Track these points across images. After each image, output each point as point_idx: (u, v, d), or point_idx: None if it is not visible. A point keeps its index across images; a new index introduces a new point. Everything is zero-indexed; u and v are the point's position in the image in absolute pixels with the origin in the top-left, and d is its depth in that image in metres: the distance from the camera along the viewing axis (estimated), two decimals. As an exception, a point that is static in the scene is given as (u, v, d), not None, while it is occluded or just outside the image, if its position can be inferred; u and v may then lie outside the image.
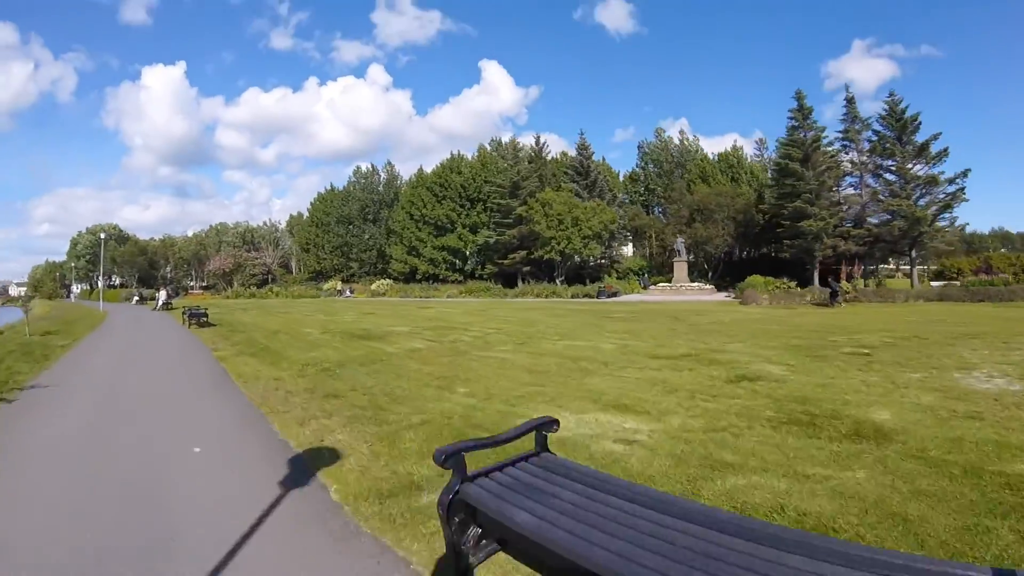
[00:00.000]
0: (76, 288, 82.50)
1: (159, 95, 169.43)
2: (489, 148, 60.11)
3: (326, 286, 53.90)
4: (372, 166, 66.94)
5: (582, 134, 54.95)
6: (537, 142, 53.09)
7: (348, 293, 51.00)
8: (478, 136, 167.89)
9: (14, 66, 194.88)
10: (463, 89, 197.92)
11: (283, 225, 79.09)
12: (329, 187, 69.04)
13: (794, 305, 23.58)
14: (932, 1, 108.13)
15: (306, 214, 71.05)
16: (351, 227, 61.66)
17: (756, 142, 59.52)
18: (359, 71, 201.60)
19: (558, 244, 41.44)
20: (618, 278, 44.59)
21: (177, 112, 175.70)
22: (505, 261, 44.87)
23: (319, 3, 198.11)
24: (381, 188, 64.60)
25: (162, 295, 34.54)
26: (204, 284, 66.98)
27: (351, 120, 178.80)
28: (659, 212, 54.32)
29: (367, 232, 61.31)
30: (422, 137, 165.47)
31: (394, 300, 40.02)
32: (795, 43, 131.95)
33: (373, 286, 48.63)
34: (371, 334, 14.27)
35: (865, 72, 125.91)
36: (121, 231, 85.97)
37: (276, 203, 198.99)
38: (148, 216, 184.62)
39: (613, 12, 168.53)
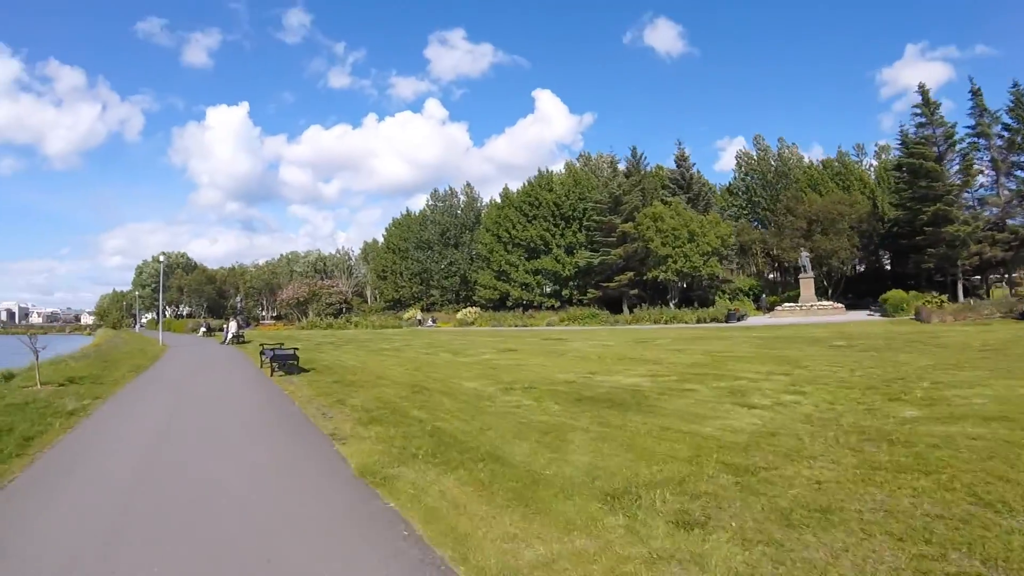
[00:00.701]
0: (145, 317, 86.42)
1: (223, 134, 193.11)
2: (578, 164, 59.56)
3: (406, 316, 53.91)
4: (451, 188, 70.12)
5: (679, 144, 53.51)
6: (634, 154, 52.93)
7: (430, 323, 51.57)
8: (534, 165, 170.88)
9: (82, 108, 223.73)
10: (517, 119, 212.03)
11: (357, 252, 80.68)
12: (404, 212, 71.47)
13: (985, 320, 21.16)
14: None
15: (381, 240, 71.94)
16: (431, 252, 63.86)
17: (855, 148, 61.51)
18: (416, 106, 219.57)
19: (674, 263, 39.49)
20: (730, 299, 42.26)
21: (241, 150, 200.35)
22: (610, 284, 43.56)
23: (374, 42, 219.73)
24: (460, 211, 64.93)
25: (232, 326, 33.13)
26: (275, 314, 68.56)
27: (409, 154, 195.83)
28: (764, 226, 52.52)
29: (448, 257, 63.79)
30: (479, 168, 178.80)
31: (487, 329, 40.79)
32: (845, 54, 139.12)
33: (459, 315, 48.73)
34: (599, 393, 9.88)
35: (920, 76, 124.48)
36: (188, 259, 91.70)
37: (340, 235, 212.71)
38: (216, 250, 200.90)
39: (662, 34, 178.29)
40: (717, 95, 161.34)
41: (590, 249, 49.28)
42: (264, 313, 74.03)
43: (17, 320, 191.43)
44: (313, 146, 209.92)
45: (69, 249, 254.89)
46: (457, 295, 62.84)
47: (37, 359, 13.12)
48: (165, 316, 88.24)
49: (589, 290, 48.18)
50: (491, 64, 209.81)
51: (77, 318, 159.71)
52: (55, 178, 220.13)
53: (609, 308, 46.11)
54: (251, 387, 13.07)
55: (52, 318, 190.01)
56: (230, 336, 31.29)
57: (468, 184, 70.80)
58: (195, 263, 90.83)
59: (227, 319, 43.63)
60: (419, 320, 54.55)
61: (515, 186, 58.86)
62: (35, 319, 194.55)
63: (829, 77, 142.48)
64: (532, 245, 52.35)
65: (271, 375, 14.53)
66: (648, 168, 55.29)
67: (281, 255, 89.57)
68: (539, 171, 57.12)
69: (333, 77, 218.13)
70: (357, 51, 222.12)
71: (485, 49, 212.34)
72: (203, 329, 46.81)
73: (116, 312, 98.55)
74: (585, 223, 50.86)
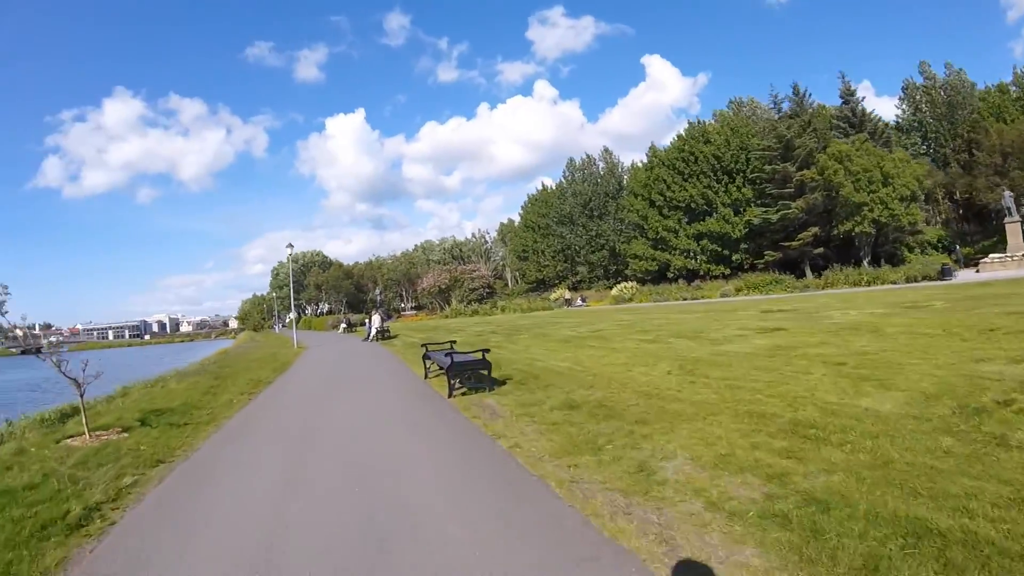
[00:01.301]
0: (289, 316, 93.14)
1: (345, 141, 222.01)
2: (729, 110, 56.23)
3: (553, 296, 53.77)
4: (588, 156, 68.50)
5: (843, 77, 49.11)
6: (796, 92, 48.89)
7: (580, 302, 50.89)
8: (651, 135, 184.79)
9: (208, 134, 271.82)
10: (629, 89, 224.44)
11: (493, 235, 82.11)
12: (541, 187, 72.51)
13: None
14: None
15: (517, 220, 72.25)
16: (573, 227, 64.60)
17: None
18: (525, 89, 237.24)
19: (870, 211, 36.09)
20: (920, 253, 38.75)
21: (363, 154, 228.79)
22: (791, 243, 40.57)
23: (475, 33, 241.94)
24: (601, 179, 64.44)
25: (375, 320, 30.81)
26: (415, 305, 70.88)
27: (525, 137, 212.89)
28: (941, 166, 50.17)
29: (593, 229, 64.84)
30: (595, 143, 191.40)
31: (656, 306, 40.83)
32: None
33: (615, 291, 48.11)
34: None
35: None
36: (324, 257, 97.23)
37: (467, 225, 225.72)
38: (350, 249, 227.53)
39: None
40: (833, 37, 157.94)
41: (760, 205, 46.10)
42: (404, 304, 77.16)
43: (169, 330, 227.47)
44: (431, 141, 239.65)
45: (214, 262, 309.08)
46: (606, 270, 62.95)
47: (82, 396, 9.07)
48: (305, 314, 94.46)
49: (766, 252, 45.17)
50: (594, 36, 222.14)
51: (225, 324, 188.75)
52: (192, 200, 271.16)
53: (789, 272, 42.94)
54: (422, 424, 8.30)
55: (201, 325, 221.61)
56: (374, 332, 29.48)
57: (606, 149, 69.55)
58: (331, 260, 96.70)
59: (369, 313, 42.38)
60: (566, 300, 54.29)
61: (629, 158, 56.76)
62: (185, 328, 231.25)
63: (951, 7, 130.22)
64: (692, 206, 51.17)
65: (450, 396, 9.85)
66: (811, 106, 50.75)
67: (416, 245, 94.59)
68: (689, 123, 55.21)
69: (441, 72, 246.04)
70: (460, 44, 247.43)
71: (586, 22, 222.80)
72: (343, 325, 49.05)
73: (257, 315, 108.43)
74: (750, 175, 48.16)
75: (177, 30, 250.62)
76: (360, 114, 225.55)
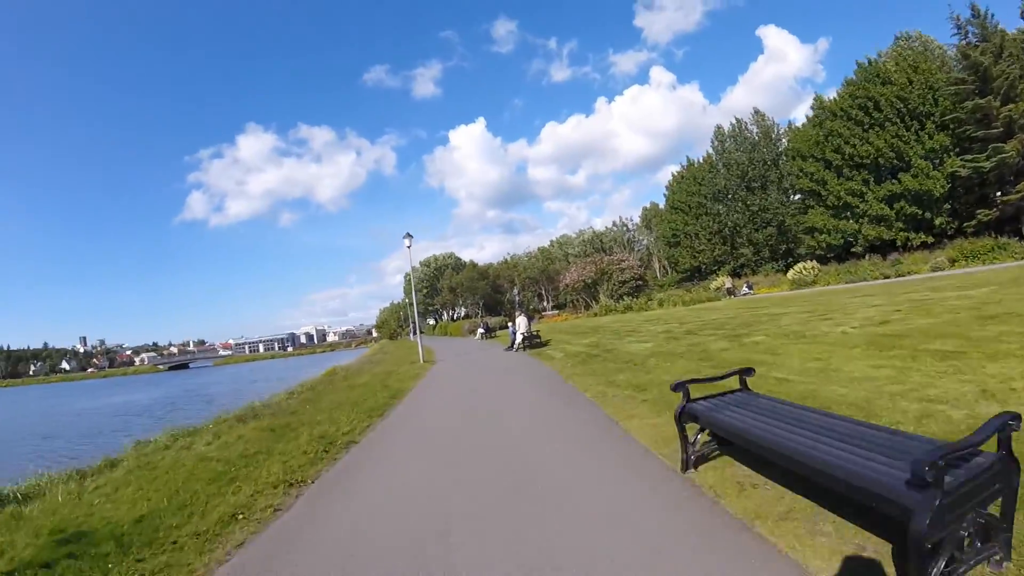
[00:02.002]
0: (430, 320, 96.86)
1: (469, 152, 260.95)
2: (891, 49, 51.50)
3: (714, 284, 51.54)
4: (738, 120, 63.71)
5: None
6: (976, 13, 42.50)
7: (746, 289, 48.39)
8: (777, 109, 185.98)
9: (339, 158, 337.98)
10: (749, 64, 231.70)
11: (636, 221, 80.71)
12: (686, 162, 72.39)
13: None
14: None
15: (662, 203, 70.83)
16: (731, 203, 61.51)
17: None
18: (641, 78, 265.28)
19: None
20: None
21: (488, 162, 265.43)
22: (1008, 197, 36.18)
23: (582, 29, 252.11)
24: (758, 143, 64.15)
25: (521, 323, 26.41)
26: (555, 303, 70.66)
27: (647, 127, 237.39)
28: None
29: (755, 204, 61.68)
30: (721, 124, 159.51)
31: (845, 289, 37.96)
32: None
33: (791, 274, 45.30)
34: None
35: None
36: (457, 259, 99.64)
37: (596, 222, 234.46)
38: (484, 255, 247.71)
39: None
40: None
41: (959, 153, 41.47)
42: (544, 304, 76.81)
43: (316, 341, 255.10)
44: (552, 142, 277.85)
45: (356, 276, 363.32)
46: (773, 251, 59.37)
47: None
48: (440, 319, 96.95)
49: (979, 212, 40.46)
50: (704, 13, 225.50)
51: (369, 332, 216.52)
52: (331, 219, 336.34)
53: (1005, 234, 38.47)
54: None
55: (346, 335, 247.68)
56: (519, 338, 25.49)
57: (757, 110, 65.89)
58: (464, 261, 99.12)
59: (512, 315, 37.95)
60: (729, 288, 51.47)
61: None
62: (332, 338, 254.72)
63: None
64: (880, 162, 46.56)
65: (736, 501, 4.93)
66: (995, 28, 44.50)
67: (552, 240, 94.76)
68: (858, 64, 50.43)
69: (554, 72, 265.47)
70: (569, 41, 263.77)
71: (694, 0, 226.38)
72: (481, 331, 47.24)
73: (393, 322, 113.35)
74: (941, 120, 43.94)
75: (298, 64, 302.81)
76: (480, 123, 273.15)
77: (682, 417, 5.64)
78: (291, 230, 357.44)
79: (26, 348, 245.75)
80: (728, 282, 54.96)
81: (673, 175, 72.56)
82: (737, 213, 62.10)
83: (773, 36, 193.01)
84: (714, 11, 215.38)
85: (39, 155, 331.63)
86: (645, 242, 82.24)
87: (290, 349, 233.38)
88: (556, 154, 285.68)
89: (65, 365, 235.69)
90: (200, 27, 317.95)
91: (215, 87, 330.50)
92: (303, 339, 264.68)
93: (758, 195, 61.12)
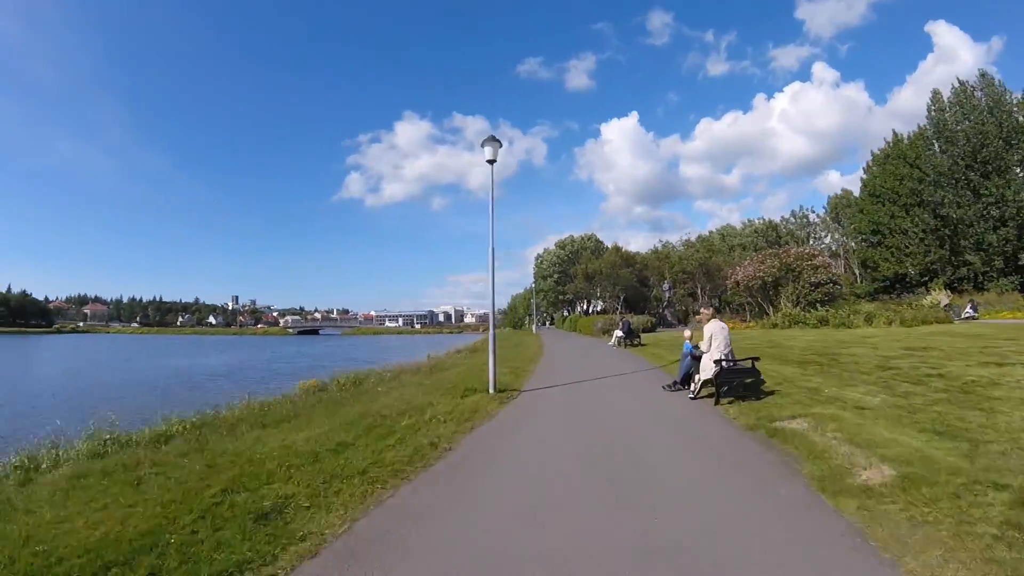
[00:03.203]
0: (567, 311, 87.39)
1: (620, 146, 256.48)
2: None
3: (927, 300, 39.19)
4: (961, 83, 49.43)
5: None
6: None
7: (970, 311, 38.03)
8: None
9: (491, 147, 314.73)
10: (918, 63, 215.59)
11: (820, 211, 67.67)
12: (891, 138, 54.75)
13: None
14: None
15: (856, 190, 57.44)
16: (956, 191, 45.56)
17: None
18: (803, 75, 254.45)
19: None
20: None
21: (639, 157, 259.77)
22: None
23: (740, 20, 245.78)
24: (990, 112, 45.88)
25: (714, 336, 11.99)
26: (715, 306, 59.07)
27: (807, 127, 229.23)
28: None
29: (991, 193, 47.05)
30: (886, 127, 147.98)
31: None
32: None
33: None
34: None
35: None
36: (598, 241, 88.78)
37: (756, 224, 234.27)
38: (630, 251, 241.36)
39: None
40: None
41: None
42: (699, 304, 65.22)
43: (454, 320, 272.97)
44: (707, 139, 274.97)
45: (499, 261, 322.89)
46: (1009, 261, 44.49)
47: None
48: (572, 312, 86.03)
49: None
50: (869, 5, 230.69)
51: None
52: (480, 206, 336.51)
53: None
54: None
55: (483, 318, 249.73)
56: (709, 373, 11.62)
57: (984, 73, 50.86)
58: (605, 246, 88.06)
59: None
60: (946, 307, 38.83)
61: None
62: (469, 319, 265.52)
63: None
64: None
65: None
66: None
67: (712, 231, 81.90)
68: None
69: (711, 66, 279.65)
70: (727, 34, 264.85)
71: None
72: (619, 334, 32.57)
73: (522, 309, 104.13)
74: None
75: (453, 56, 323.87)
76: (633, 117, 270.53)
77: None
78: (442, 214, 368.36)
79: (178, 300, 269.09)
80: (944, 298, 41.68)
81: (874, 154, 59.13)
82: (964, 206, 48.00)
83: (943, 33, 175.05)
84: (880, 3, 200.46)
85: (219, 137, 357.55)
86: (828, 240, 68.01)
87: (417, 326, 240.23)
88: (710, 152, 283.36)
89: (212, 319, 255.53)
90: (362, 18, 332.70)
91: (375, 76, 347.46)
92: (441, 317, 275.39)
93: (994, 181, 46.72)
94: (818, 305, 39.83)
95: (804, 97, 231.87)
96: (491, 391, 13.71)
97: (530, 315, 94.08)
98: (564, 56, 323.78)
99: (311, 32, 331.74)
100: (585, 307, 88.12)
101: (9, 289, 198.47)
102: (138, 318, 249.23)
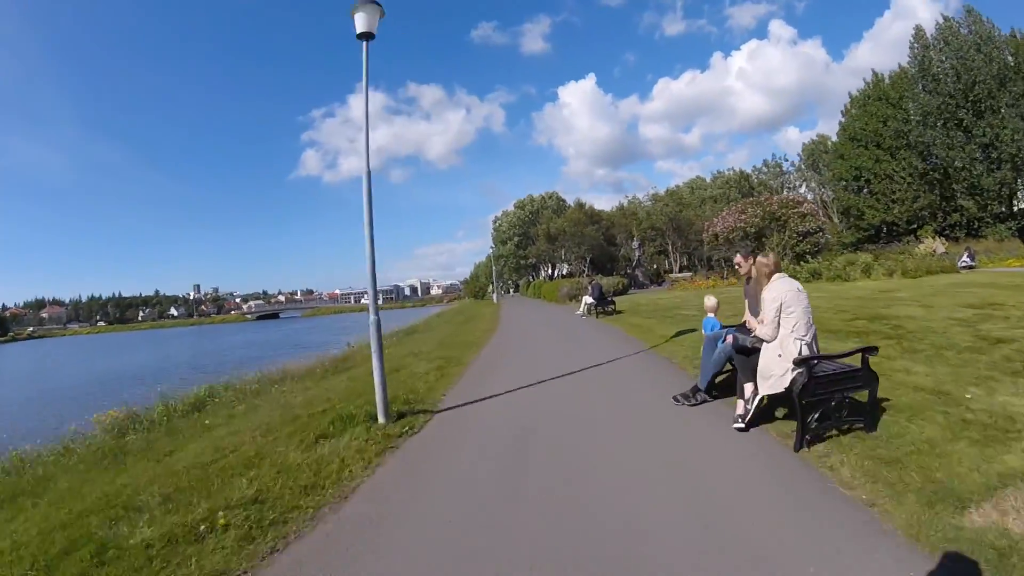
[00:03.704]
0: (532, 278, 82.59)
1: (578, 109, 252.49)
2: None
3: (921, 249, 38.10)
4: (946, 19, 48.50)
5: None
6: None
7: (967, 260, 33.97)
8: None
9: (449, 115, 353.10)
10: (874, 20, 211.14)
11: (793, 159, 63.63)
12: (871, 78, 51.20)
13: None
14: None
15: (834, 135, 53.48)
16: (946, 130, 44.59)
17: None
18: (759, 32, 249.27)
19: None
20: None
21: (598, 119, 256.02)
22: None
23: None
24: (979, 49, 42.76)
25: (789, 304, 6.29)
26: (684, 264, 54.97)
27: (765, 84, 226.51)
28: None
29: (984, 133, 42.90)
30: (845, 85, 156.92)
31: None
32: None
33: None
34: None
35: None
36: (561, 199, 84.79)
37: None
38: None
39: None
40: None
41: None
42: (672, 264, 60.67)
43: (420, 294, 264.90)
44: (666, 99, 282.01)
45: (464, 232, 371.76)
46: (1006, 203, 42.73)
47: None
48: (535, 278, 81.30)
49: None
50: None
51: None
52: (440, 176, 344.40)
53: None
54: None
55: (449, 289, 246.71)
56: (780, 381, 6.06)
57: (970, 10, 46.44)
58: (567, 204, 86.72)
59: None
60: (942, 254, 36.31)
61: None
62: (435, 291, 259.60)
63: None
64: None
65: None
66: None
67: (679, 184, 77.53)
68: None
69: (667, 25, 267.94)
70: None
71: None
72: (588, 300, 26.66)
73: (485, 277, 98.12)
74: None
75: (405, 23, 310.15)
76: (591, 79, 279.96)
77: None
78: (402, 186, 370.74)
79: (138, 295, 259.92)
80: (940, 246, 37.98)
81: (852, 96, 54.37)
82: (955, 147, 43.59)
83: None
84: None
85: (171, 122, 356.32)
86: (803, 189, 63.24)
87: (379, 303, 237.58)
88: (669, 111, 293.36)
89: (173, 311, 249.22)
90: None
91: (325, 48, 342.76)
92: (407, 291, 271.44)
93: (988, 120, 42.42)
94: (808, 257, 35.67)
95: (762, 55, 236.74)
96: (381, 419, 7.94)
97: (492, 283, 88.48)
98: (518, 20, 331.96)
99: (257, 5, 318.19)
100: (549, 272, 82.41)
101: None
102: (98, 317, 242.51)
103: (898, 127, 47.74)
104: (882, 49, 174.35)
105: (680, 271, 59.28)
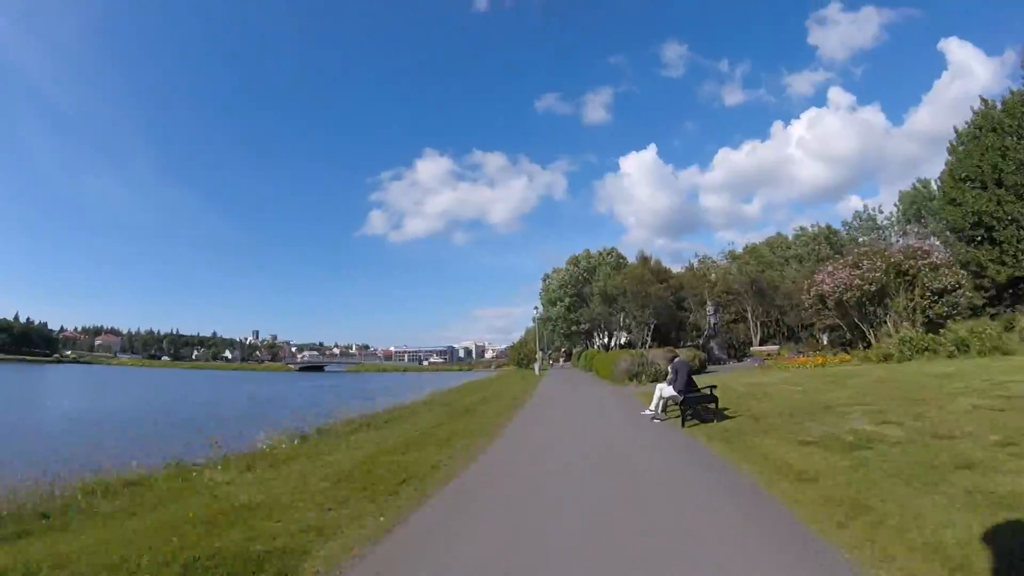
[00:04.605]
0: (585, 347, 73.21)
1: (639, 178, 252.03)
2: None
3: None
4: None
5: None
6: None
7: None
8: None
9: (511, 182, 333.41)
10: (932, 82, 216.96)
11: (890, 209, 55.21)
12: (980, 104, 44.81)
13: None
14: None
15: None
16: None
17: None
18: (818, 100, 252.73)
19: None
20: None
21: (658, 189, 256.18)
22: None
23: (754, 50, 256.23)
24: None
25: None
26: (769, 333, 46.79)
27: (824, 152, 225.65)
28: None
29: None
30: (903, 149, 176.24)
31: None
32: None
33: None
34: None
35: None
36: (621, 256, 76.59)
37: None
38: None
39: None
40: None
41: None
42: (752, 334, 51.87)
43: (475, 356, 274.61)
44: (726, 169, 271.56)
45: (521, 296, 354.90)
46: None
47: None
48: (590, 345, 72.32)
49: None
50: (880, 26, 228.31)
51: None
52: (501, 241, 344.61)
53: None
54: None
55: (502, 354, 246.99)
56: None
57: None
58: (629, 260, 73.45)
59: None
60: None
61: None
62: (489, 354, 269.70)
63: None
64: None
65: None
66: None
67: (755, 244, 69.04)
68: None
69: (727, 95, 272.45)
70: (742, 63, 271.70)
71: (868, 13, 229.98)
72: (666, 391, 16.12)
73: (534, 344, 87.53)
74: None
75: (472, 93, 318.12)
76: (652, 149, 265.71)
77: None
78: (464, 248, 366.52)
79: (196, 334, 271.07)
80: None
81: (959, 131, 45.94)
82: None
83: (956, 50, 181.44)
84: (891, 24, 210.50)
85: (246, 175, 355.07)
86: (900, 243, 54.15)
87: (426, 364, 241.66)
88: (729, 181, 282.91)
89: (228, 354, 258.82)
90: (381, 56, 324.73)
91: (395, 114, 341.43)
92: (461, 353, 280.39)
93: None
94: (947, 322, 27.65)
95: (821, 122, 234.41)
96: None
97: (543, 350, 78.93)
98: (581, 90, 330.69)
99: (332, 72, 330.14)
100: (605, 340, 71.94)
101: (16, 317, 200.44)
102: (153, 350, 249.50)
103: (1022, 159, 39.17)
104: (942, 110, 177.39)
105: (760, 343, 51.13)
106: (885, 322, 29.32)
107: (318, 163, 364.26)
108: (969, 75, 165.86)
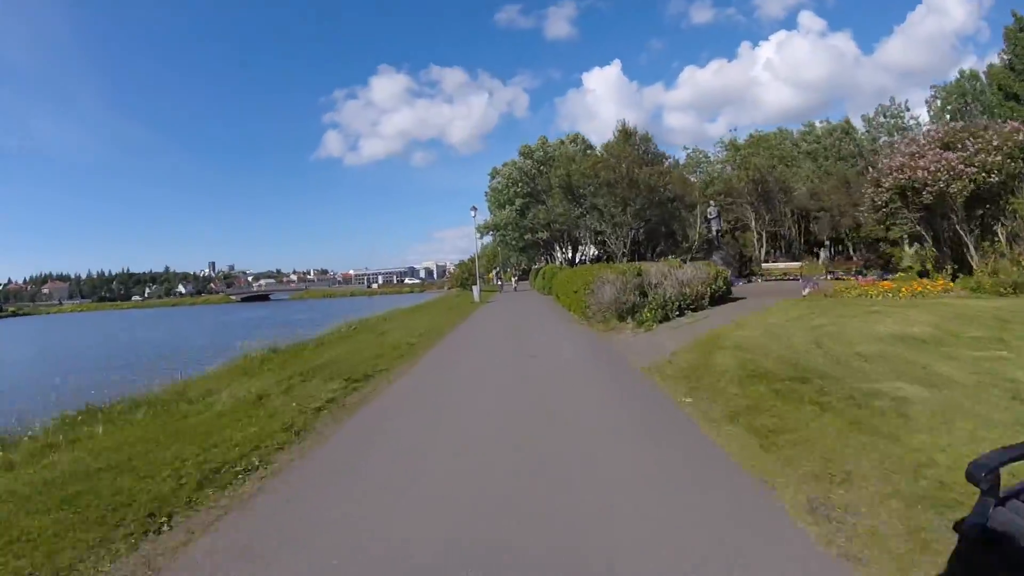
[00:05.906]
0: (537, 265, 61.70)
1: (602, 95, 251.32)
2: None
3: None
4: None
5: None
6: None
7: None
8: (936, 69, 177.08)
9: (471, 99, 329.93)
10: (906, 14, 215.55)
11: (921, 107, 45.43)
12: None
13: None
14: None
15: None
16: None
17: None
18: (789, 23, 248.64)
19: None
20: None
21: (622, 106, 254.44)
22: None
23: None
24: None
25: None
26: (784, 248, 37.95)
27: (793, 77, 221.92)
28: None
29: None
30: (873, 79, 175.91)
31: None
32: None
33: None
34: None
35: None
36: (586, 141, 57.17)
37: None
38: None
39: None
40: None
41: None
42: (755, 246, 42.32)
43: (436, 276, 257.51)
44: (691, 88, 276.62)
45: (484, 215, 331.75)
46: None
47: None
48: (550, 259, 58.22)
49: None
50: None
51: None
52: (462, 161, 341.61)
53: None
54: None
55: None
56: None
57: None
58: (598, 150, 48.46)
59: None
60: None
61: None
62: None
63: None
64: None
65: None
66: None
67: (752, 132, 55.67)
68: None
69: (695, 13, 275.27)
70: None
71: None
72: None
73: (489, 260, 74.49)
74: None
75: (427, 6, 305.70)
76: (616, 66, 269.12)
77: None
78: (424, 169, 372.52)
79: (148, 271, 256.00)
80: None
81: (1008, 28, 38.08)
82: None
83: None
84: None
85: (192, 101, 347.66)
86: (926, 130, 44.37)
87: (375, 287, 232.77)
88: (694, 101, 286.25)
89: (181, 288, 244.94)
90: None
91: (347, 29, 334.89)
92: (422, 273, 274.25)
93: None
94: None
95: (790, 45, 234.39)
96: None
97: (497, 268, 67.89)
98: (543, 3, 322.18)
99: None
100: (569, 253, 54.54)
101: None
102: (103, 292, 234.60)
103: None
104: (911, 45, 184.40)
105: (783, 259, 38.83)
106: (995, 233, 19.96)
107: (270, 84, 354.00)
108: (944, 11, 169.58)
